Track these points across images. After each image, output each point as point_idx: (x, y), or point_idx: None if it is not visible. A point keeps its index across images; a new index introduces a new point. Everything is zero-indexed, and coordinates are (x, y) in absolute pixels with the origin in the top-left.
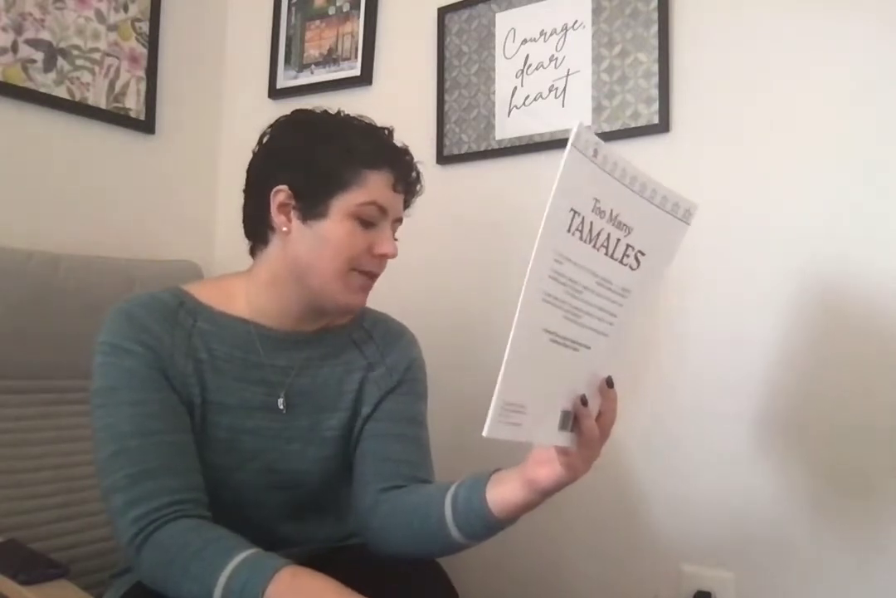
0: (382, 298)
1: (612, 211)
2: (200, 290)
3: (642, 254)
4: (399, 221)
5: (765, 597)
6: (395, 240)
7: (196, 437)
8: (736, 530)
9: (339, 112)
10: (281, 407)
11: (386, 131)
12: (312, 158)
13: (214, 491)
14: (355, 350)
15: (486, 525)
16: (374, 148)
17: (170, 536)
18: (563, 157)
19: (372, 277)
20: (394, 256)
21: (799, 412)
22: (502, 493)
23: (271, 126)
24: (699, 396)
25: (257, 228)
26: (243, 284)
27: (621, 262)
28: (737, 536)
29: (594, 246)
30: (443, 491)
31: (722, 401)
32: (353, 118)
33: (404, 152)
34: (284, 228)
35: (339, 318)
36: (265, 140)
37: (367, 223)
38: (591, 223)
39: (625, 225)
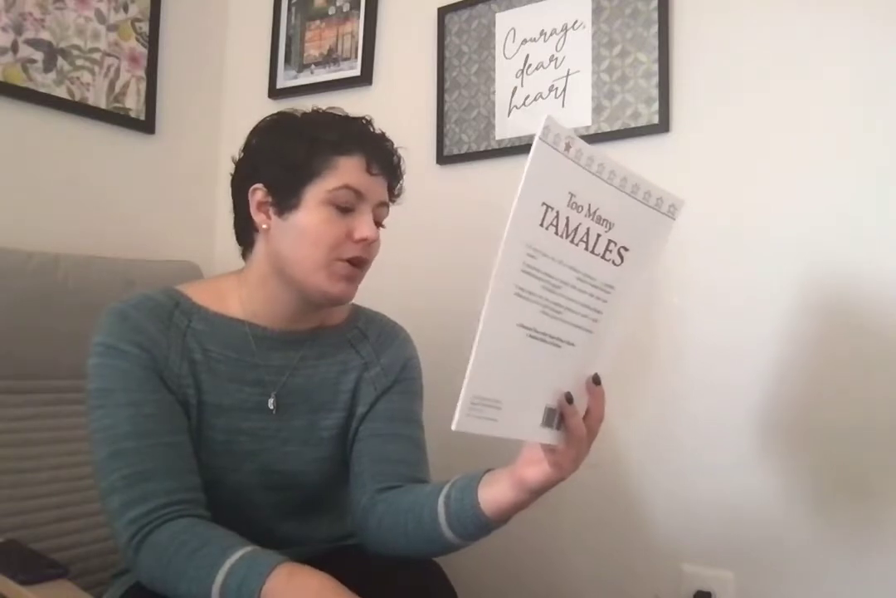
0: (381, 296)
1: (590, 206)
2: (195, 290)
3: (626, 249)
4: (384, 205)
5: (765, 597)
6: (382, 227)
7: (192, 438)
8: (736, 530)
9: (315, 109)
10: (271, 407)
11: (363, 121)
12: (282, 153)
13: (212, 492)
14: (350, 350)
15: (478, 526)
16: (341, 134)
17: (167, 536)
18: (531, 150)
19: (357, 264)
20: (374, 240)
21: (799, 413)
22: (493, 493)
23: (249, 133)
24: (700, 397)
25: (244, 232)
26: (236, 285)
27: (603, 257)
28: (737, 536)
29: (572, 241)
30: (436, 492)
31: (723, 402)
32: (326, 112)
33: (379, 137)
34: (265, 226)
35: (333, 317)
36: (243, 146)
37: (343, 209)
38: (568, 218)
39: (605, 220)
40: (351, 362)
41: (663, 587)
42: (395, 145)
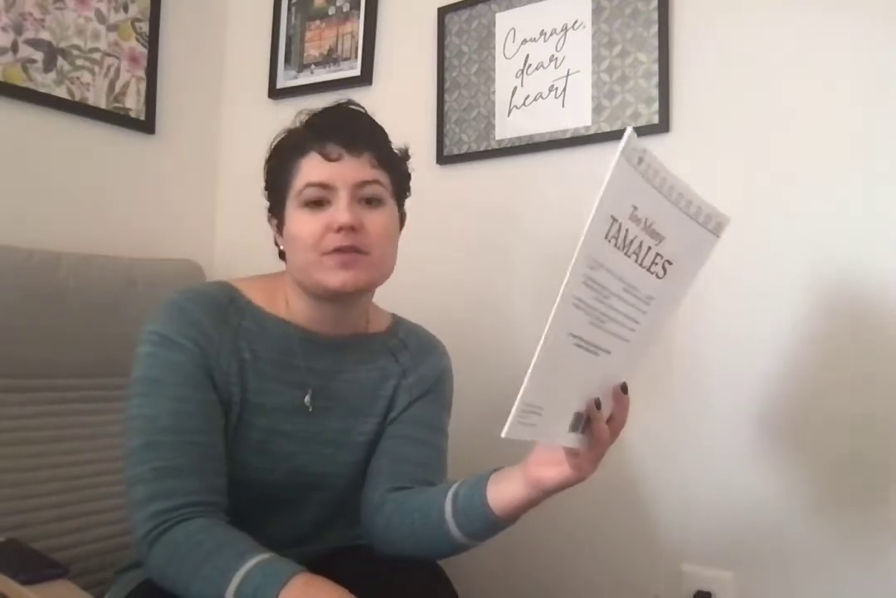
0: (383, 295)
1: (647, 219)
2: (249, 287)
3: (670, 263)
4: (366, 184)
5: (765, 597)
6: (376, 207)
7: (230, 437)
8: (736, 530)
9: (305, 115)
10: (309, 409)
11: (329, 110)
12: (268, 180)
13: (242, 490)
14: (390, 357)
15: (486, 524)
16: (293, 141)
17: (184, 534)
18: (610, 165)
19: (345, 251)
20: (349, 224)
21: (801, 413)
22: (503, 491)
23: None
24: (701, 396)
25: (281, 254)
26: (283, 287)
27: (649, 270)
28: (737, 536)
29: (626, 253)
30: (444, 490)
31: (723, 402)
32: (309, 117)
33: (340, 120)
34: (282, 247)
35: (374, 324)
36: None
37: (315, 205)
38: (627, 230)
39: (657, 234)
40: (390, 368)
41: (663, 587)
42: (362, 112)
